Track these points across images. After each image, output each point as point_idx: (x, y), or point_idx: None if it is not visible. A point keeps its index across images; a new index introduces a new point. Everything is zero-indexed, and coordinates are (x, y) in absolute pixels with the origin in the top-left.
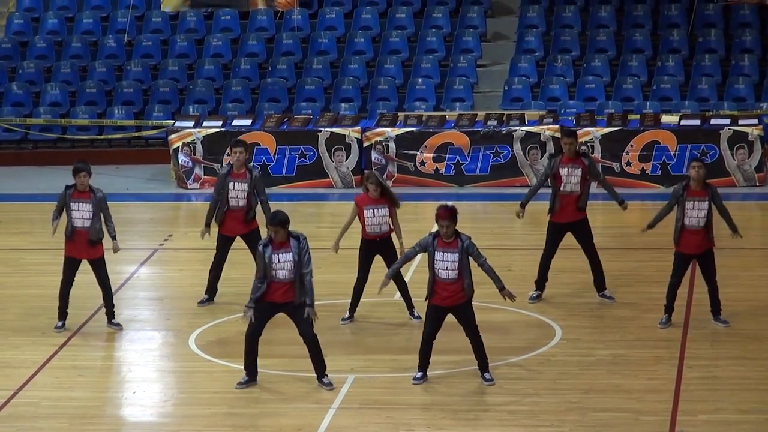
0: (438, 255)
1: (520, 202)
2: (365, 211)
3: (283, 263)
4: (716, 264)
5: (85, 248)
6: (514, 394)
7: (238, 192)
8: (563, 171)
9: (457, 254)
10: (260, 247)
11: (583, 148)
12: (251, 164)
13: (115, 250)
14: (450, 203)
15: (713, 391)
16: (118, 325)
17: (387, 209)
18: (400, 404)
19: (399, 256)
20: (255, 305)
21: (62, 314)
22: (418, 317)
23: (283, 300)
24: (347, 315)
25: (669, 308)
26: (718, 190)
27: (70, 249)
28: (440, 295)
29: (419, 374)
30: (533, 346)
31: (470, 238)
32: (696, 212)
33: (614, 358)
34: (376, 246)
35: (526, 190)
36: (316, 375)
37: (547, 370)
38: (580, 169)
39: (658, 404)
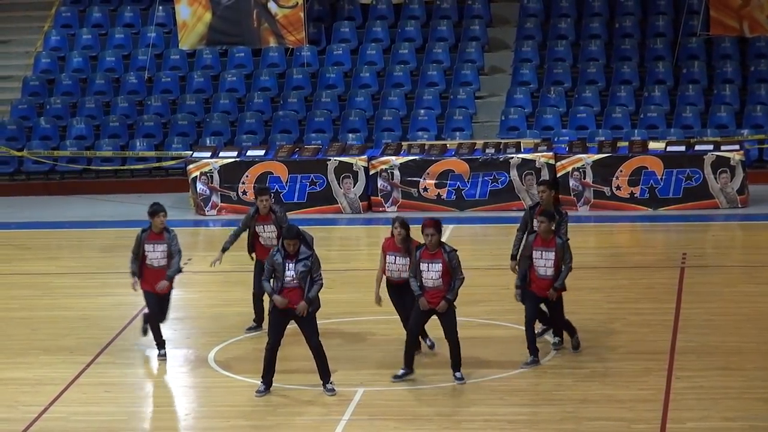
0: (423, 266)
1: (511, 255)
2: (387, 257)
3: (291, 272)
4: (701, 280)
5: (160, 280)
6: (514, 405)
7: (269, 233)
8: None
9: (440, 264)
10: (274, 252)
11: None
12: (275, 206)
13: (161, 288)
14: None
15: (700, 400)
16: (164, 356)
17: (408, 260)
18: (406, 415)
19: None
20: (270, 317)
21: (160, 344)
22: (432, 345)
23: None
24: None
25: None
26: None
27: (144, 284)
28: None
29: (401, 371)
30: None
31: (455, 251)
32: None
33: (607, 370)
34: (401, 289)
35: (522, 214)
36: (321, 381)
37: (544, 382)
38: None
39: (649, 413)
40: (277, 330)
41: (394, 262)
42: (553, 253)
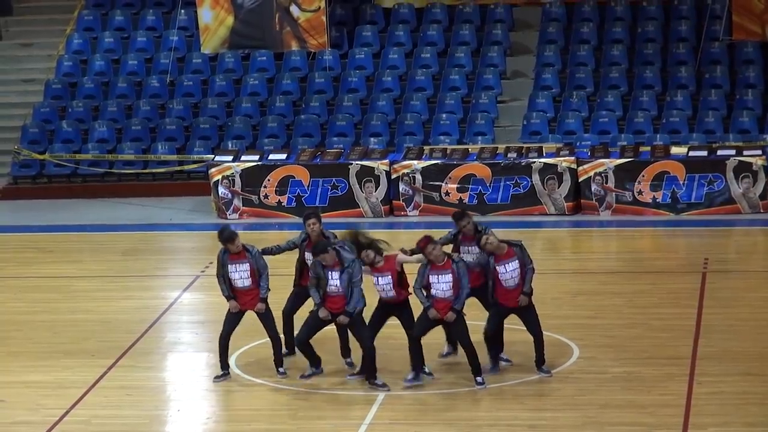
0: (432, 278)
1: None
2: (372, 277)
3: (335, 281)
4: (723, 286)
5: (250, 300)
6: (535, 409)
7: None
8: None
9: (450, 275)
10: (316, 262)
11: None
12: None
13: (258, 309)
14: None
15: (721, 405)
16: (284, 373)
17: (390, 277)
18: (426, 420)
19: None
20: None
21: (224, 365)
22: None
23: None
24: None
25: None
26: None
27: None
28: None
29: (410, 375)
30: (552, 364)
31: (462, 260)
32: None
33: (628, 375)
34: (391, 309)
35: (544, 218)
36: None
37: (565, 386)
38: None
39: (670, 418)
40: (312, 332)
41: (378, 283)
42: (517, 261)
